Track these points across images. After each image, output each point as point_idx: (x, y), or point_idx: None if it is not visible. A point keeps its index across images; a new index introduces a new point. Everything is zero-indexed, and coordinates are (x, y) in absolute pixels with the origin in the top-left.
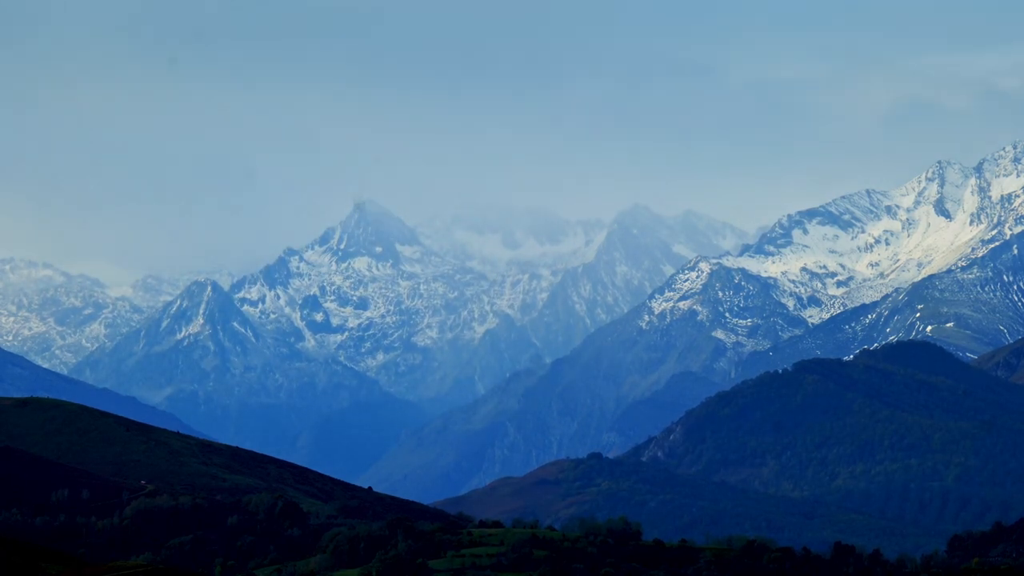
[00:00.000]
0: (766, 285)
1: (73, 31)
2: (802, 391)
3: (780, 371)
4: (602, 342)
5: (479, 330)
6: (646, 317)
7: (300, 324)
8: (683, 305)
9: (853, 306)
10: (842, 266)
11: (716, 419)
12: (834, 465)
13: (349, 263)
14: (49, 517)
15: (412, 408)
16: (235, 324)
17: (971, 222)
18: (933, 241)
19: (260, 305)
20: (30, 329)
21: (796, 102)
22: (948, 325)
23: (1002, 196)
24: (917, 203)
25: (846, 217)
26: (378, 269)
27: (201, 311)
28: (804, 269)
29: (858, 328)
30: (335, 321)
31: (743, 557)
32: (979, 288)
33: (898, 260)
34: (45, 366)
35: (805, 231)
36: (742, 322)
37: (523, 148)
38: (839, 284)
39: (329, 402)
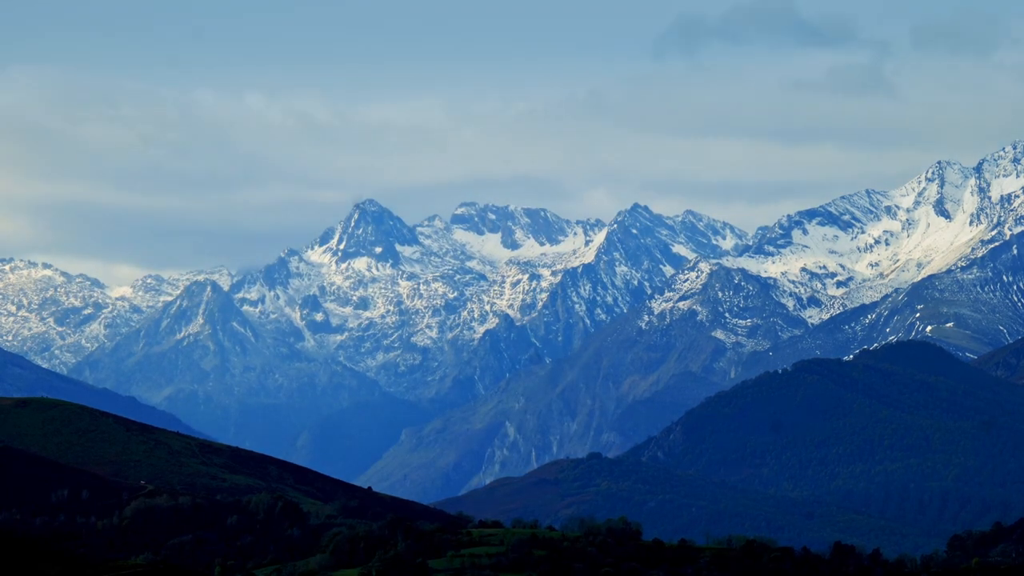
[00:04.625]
0: (766, 285)
1: (70, 29)
2: (802, 391)
3: (780, 371)
4: (602, 342)
5: (479, 330)
6: (646, 317)
7: (300, 324)
8: (683, 305)
9: (853, 306)
10: (842, 266)
11: (716, 419)
12: (834, 465)
13: (349, 263)
14: (49, 517)
15: (412, 408)
16: (235, 324)
17: (971, 222)
18: (933, 241)
19: (260, 305)
20: (30, 329)
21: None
22: (948, 325)
23: (1002, 196)
24: (917, 203)
25: (846, 217)
26: (378, 269)
27: (201, 311)
28: (804, 269)
29: (858, 328)
30: (335, 321)
31: (743, 557)
32: (979, 288)
33: (898, 260)
34: (45, 366)
35: (805, 231)
36: (742, 322)
37: (523, 147)
38: (839, 284)
39: (329, 402)
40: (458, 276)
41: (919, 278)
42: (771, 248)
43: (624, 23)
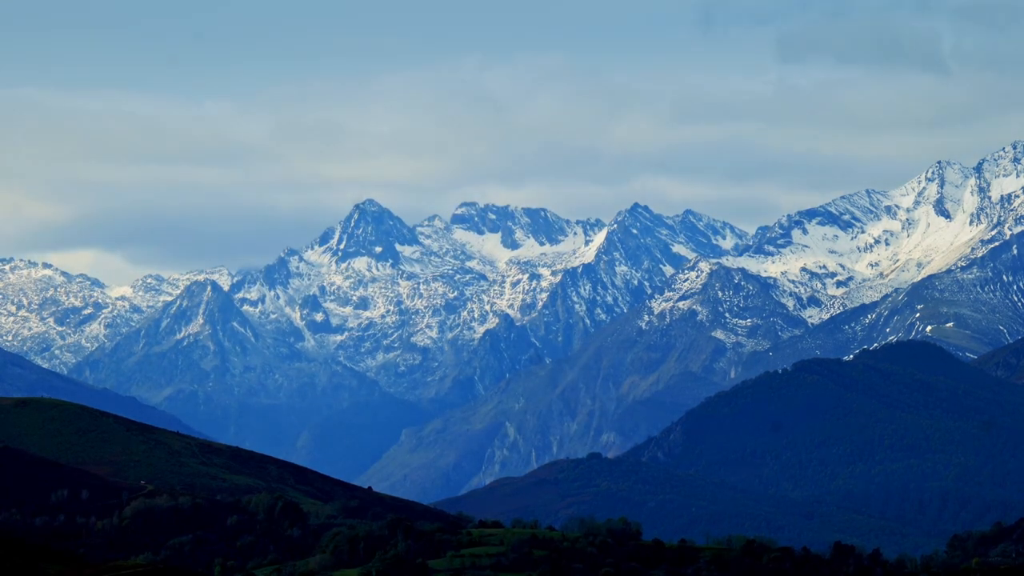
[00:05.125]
0: (766, 285)
1: (73, 29)
2: (802, 391)
3: (780, 371)
4: (602, 342)
5: (479, 330)
6: (646, 317)
7: (300, 324)
8: (683, 305)
9: (853, 306)
10: (842, 266)
11: (716, 419)
12: (834, 465)
13: (349, 263)
14: (49, 517)
15: (412, 408)
16: (235, 324)
17: (971, 222)
18: (933, 241)
19: (260, 305)
20: (30, 329)
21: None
22: (948, 325)
23: (1002, 196)
24: (917, 203)
25: (846, 217)
26: (378, 269)
27: (201, 311)
28: (804, 269)
29: (858, 328)
30: (335, 321)
31: (743, 557)
32: (979, 288)
33: (898, 260)
34: (45, 366)
35: (805, 231)
36: (742, 322)
37: (522, 146)
38: (839, 284)
39: (329, 402)
40: (458, 276)
41: (919, 278)
42: (771, 248)
43: (632, 9)
